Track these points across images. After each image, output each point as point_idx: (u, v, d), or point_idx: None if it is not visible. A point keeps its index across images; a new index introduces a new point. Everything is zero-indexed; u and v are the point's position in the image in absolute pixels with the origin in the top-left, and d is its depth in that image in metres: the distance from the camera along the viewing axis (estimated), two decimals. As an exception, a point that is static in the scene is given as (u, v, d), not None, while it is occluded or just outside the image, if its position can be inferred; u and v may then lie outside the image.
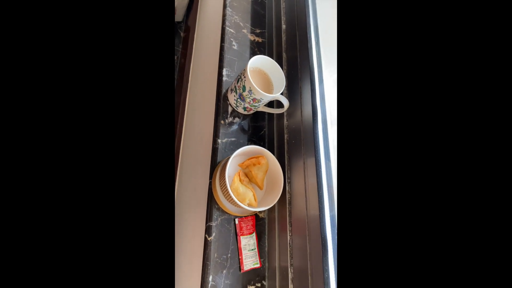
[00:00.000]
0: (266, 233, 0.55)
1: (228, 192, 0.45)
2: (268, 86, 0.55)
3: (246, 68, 0.49)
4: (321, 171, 0.49)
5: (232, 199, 0.45)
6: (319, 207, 0.46)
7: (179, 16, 1.19)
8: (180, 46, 1.24)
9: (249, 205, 0.47)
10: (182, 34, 1.27)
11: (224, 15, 0.67)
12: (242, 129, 0.59)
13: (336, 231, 0.47)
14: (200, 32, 1.04)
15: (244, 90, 0.51)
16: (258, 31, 0.70)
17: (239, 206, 0.46)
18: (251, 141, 0.59)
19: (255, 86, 0.48)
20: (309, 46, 0.57)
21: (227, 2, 0.68)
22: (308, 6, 0.60)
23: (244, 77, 0.50)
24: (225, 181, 0.45)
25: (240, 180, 0.48)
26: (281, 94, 0.52)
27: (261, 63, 0.54)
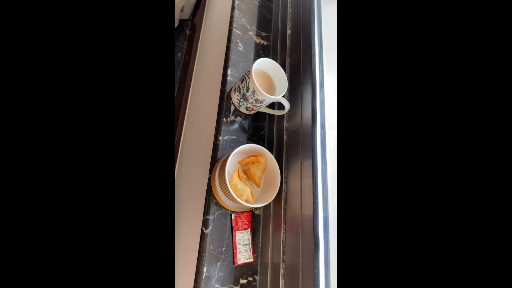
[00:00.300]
0: (261, 230, 0.56)
1: (227, 187, 0.47)
2: (270, 88, 0.57)
3: (251, 70, 0.51)
4: (317, 173, 0.51)
5: (230, 194, 0.47)
6: (313, 207, 0.48)
7: (186, 14, 1.21)
8: (185, 44, 1.26)
9: (246, 201, 0.49)
10: (188, 31, 1.29)
11: (232, 17, 0.69)
12: (243, 128, 0.61)
13: (328, 231, 0.49)
14: (206, 31, 1.06)
15: (247, 90, 0.53)
16: (263, 34, 0.72)
17: (237, 202, 0.48)
18: (251, 140, 0.61)
19: (258, 87, 0.50)
20: (312, 52, 0.60)
21: (235, 5, 0.70)
22: (313, 13, 0.62)
23: (249, 78, 0.52)
24: (224, 177, 0.47)
25: (239, 176, 0.50)
26: (283, 96, 0.54)
27: (265, 65, 0.56)
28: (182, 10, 1.15)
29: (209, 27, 1.03)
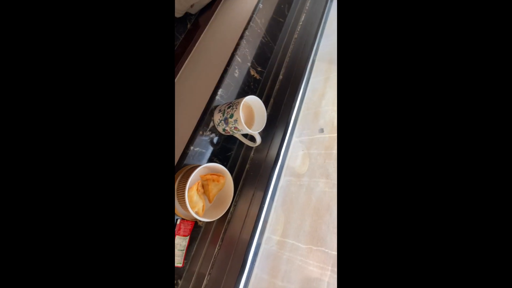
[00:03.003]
0: (198, 240, 0.61)
1: (184, 195, 0.51)
2: (250, 121, 0.64)
3: (241, 102, 0.58)
4: (264, 205, 0.59)
5: (185, 202, 0.51)
6: (252, 234, 0.56)
7: (194, 10, 1.24)
8: (182, 36, 1.27)
9: (196, 213, 0.54)
10: (189, 25, 1.30)
11: (238, 44, 0.75)
12: (213, 144, 0.66)
13: (256, 258, 0.57)
14: (208, 36, 1.10)
15: (231, 117, 0.59)
16: (259, 69, 0.81)
17: (188, 211, 0.52)
18: (217, 158, 0.67)
19: (242, 119, 0.57)
20: (293, 103, 0.69)
21: (245, 35, 0.77)
22: (305, 73, 0.73)
23: (236, 108, 0.58)
24: (185, 185, 0.51)
25: (197, 189, 0.55)
26: (258, 132, 0.62)
27: (254, 102, 0.63)
28: (192, 6, 1.17)
29: (212, 34, 1.08)
